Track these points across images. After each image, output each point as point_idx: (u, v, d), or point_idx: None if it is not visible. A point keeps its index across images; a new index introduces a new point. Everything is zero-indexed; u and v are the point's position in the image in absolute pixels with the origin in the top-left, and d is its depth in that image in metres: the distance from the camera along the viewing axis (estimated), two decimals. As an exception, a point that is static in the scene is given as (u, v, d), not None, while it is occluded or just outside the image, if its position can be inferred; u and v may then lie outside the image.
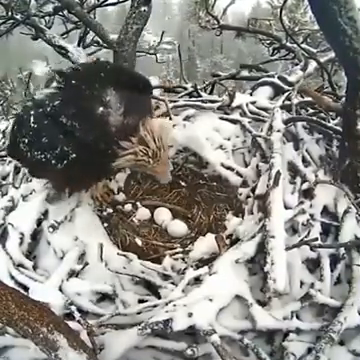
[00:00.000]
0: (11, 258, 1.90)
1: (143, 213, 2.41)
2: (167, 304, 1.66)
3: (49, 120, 1.87)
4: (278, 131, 2.42)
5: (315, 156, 2.45)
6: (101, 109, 1.85)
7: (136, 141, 1.94)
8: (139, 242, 2.22)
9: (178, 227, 2.35)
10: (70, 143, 1.85)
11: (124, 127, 1.91)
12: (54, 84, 2.02)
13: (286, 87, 3.52)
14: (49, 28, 5.19)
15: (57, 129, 1.85)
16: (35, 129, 1.89)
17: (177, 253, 2.15)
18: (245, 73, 4.30)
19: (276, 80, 3.67)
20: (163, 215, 2.42)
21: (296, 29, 5.47)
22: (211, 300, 1.62)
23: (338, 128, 2.45)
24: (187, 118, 2.92)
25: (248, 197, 2.35)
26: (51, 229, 2.06)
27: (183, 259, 2.10)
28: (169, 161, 2.11)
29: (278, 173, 1.99)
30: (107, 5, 5.63)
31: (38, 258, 2.07)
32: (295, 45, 4.61)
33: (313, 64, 4.06)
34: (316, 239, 1.82)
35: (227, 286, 1.69)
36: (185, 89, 3.55)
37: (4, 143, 2.98)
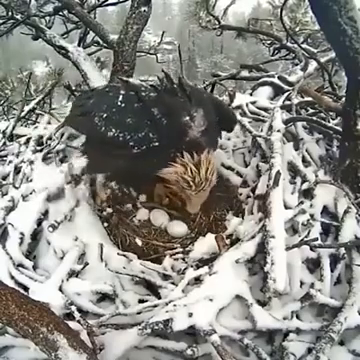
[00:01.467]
0: (11, 258, 1.90)
1: (143, 213, 2.41)
2: (167, 304, 1.66)
3: (140, 106, 1.92)
4: (278, 131, 2.42)
5: (315, 156, 2.45)
6: (187, 118, 1.91)
7: (193, 161, 1.94)
8: (139, 242, 2.23)
9: (178, 227, 2.35)
10: (155, 132, 1.88)
11: (195, 143, 1.93)
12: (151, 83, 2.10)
13: (286, 87, 3.53)
14: (49, 28, 5.20)
15: (146, 116, 1.90)
16: (122, 108, 1.94)
17: (177, 253, 2.15)
18: (245, 73, 4.31)
19: (276, 80, 3.68)
20: (160, 217, 2.40)
21: (297, 29, 5.46)
22: (211, 300, 1.62)
23: (338, 128, 2.45)
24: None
25: (248, 197, 2.35)
26: (51, 229, 2.06)
27: (183, 259, 2.10)
28: (205, 196, 2.10)
29: (278, 173, 1.99)
30: (107, 5, 5.63)
31: (38, 258, 2.07)
32: (295, 45, 4.62)
33: (313, 64, 4.07)
34: (316, 239, 1.82)
35: (227, 286, 1.69)
36: (185, 89, 3.54)
37: (4, 143, 2.99)
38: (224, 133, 2.72)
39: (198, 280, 1.81)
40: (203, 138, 1.94)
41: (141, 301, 1.81)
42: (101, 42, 5.39)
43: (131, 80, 2.15)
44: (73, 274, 1.91)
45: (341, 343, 1.65)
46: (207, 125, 1.95)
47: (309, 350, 1.59)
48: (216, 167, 2.08)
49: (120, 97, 1.97)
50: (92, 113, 2.02)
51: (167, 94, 1.96)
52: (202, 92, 2.38)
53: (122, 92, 1.99)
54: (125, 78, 2.19)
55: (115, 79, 2.47)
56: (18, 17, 5.10)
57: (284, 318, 1.65)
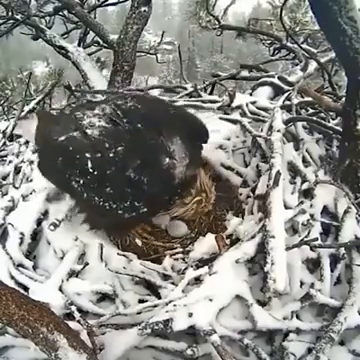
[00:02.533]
0: (11, 258, 1.90)
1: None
2: (167, 304, 1.66)
3: (113, 171, 1.75)
4: (278, 131, 2.42)
5: (315, 156, 2.45)
6: (167, 161, 1.78)
7: (195, 191, 1.98)
8: (139, 242, 2.23)
9: (178, 227, 2.35)
10: (140, 198, 1.78)
11: (186, 178, 1.88)
12: (104, 110, 1.88)
13: (286, 87, 3.53)
14: (49, 28, 5.21)
15: (124, 181, 1.76)
16: (96, 176, 1.76)
17: (177, 253, 2.15)
18: (245, 73, 4.31)
19: (276, 80, 3.68)
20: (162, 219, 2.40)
21: (297, 29, 5.47)
22: (211, 300, 1.62)
23: (338, 128, 2.45)
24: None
25: (248, 197, 2.35)
26: (52, 227, 2.05)
27: (183, 259, 2.10)
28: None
29: (278, 173, 1.99)
30: (107, 5, 5.65)
31: (38, 258, 2.07)
32: (295, 45, 4.62)
33: (313, 64, 4.07)
34: (316, 239, 1.82)
35: (227, 286, 1.69)
36: (185, 89, 3.56)
37: (4, 143, 2.99)
38: (223, 133, 2.74)
39: (198, 280, 1.81)
40: (191, 167, 1.88)
41: (141, 301, 1.81)
42: (101, 42, 5.40)
43: (83, 120, 1.85)
44: (73, 274, 1.90)
45: (341, 343, 1.65)
46: (189, 152, 1.87)
47: (309, 350, 1.58)
48: (208, 178, 2.10)
49: (89, 163, 1.75)
50: (67, 175, 1.84)
51: (133, 141, 1.77)
52: (167, 109, 2.06)
53: (88, 155, 1.75)
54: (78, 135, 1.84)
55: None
56: (18, 17, 5.11)
57: (284, 318, 1.65)
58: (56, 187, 2.14)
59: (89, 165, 1.76)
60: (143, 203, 1.81)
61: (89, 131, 1.81)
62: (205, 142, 2.11)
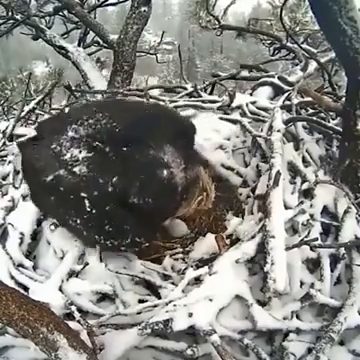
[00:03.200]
0: (11, 258, 1.90)
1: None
2: (167, 304, 1.66)
3: (112, 206, 1.69)
4: (278, 131, 2.42)
5: (315, 156, 2.45)
6: (165, 173, 1.70)
7: (197, 191, 1.98)
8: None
9: (178, 227, 2.35)
10: (141, 234, 1.77)
11: (187, 181, 1.85)
12: (77, 131, 1.78)
13: (286, 87, 3.53)
14: (49, 28, 5.21)
15: (125, 213, 1.70)
16: (94, 214, 1.70)
17: (177, 253, 2.15)
18: (245, 73, 4.31)
19: (276, 80, 3.68)
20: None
21: (297, 29, 5.47)
22: (211, 300, 1.62)
23: (338, 128, 2.45)
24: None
25: (248, 197, 2.35)
26: (53, 227, 2.05)
27: (183, 259, 2.10)
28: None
29: (278, 173, 1.99)
30: (107, 5, 5.66)
31: (38, 258, 2.07)
32: (295, 45, 4.62)
33: (313, 64, 4.07)
34: (316, 239, 1.82)
35: (227, 286, 1.69)
36: (185, 89, 3.56)
37: (4, 143, 2.98)
38: (223, 133, 2.74)
39: (198, 280, 1.81)
40: (189, 169, 1.86)
41: (141, 301, 1.81)
42: (101, 42, 5.40)
43: (77, 170, 1.72)
44: (73, 274, 1.90)
45: (341, 343, 1.65)
46: (182, 155, 1.82)
47: (309, 350, 1.59)
48: (208, 176, 2.10)
49: (86, 202, 1.68)
50: (62, 212, 1.82)
51: (126, 164, 1.69)
52: (143, 111, 1.92)
53: (84, 195, 1.68)
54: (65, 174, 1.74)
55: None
56: (18, 17, 5.11)
57: (284, 318, 1.65)
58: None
59: (86, 204, 1.69)
60: (144, 237, 1.81)
61: (76, 169, 1.72)
62: (193, 135, 1.99)
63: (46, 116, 3.36)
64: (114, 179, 1.67)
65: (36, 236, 2.13)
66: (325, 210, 2.08)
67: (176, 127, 1.90)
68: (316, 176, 2.19)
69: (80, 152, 1.75)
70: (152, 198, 1.68)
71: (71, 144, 1.78)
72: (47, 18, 5.37)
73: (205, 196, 2.01)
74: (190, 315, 1.55)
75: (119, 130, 1.77)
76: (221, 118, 2.90)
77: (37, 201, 2.03)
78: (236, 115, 2.95)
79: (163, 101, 3.11)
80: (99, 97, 3.69)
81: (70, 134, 1.80)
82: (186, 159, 1.84)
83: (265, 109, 3.02)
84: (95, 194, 1.68)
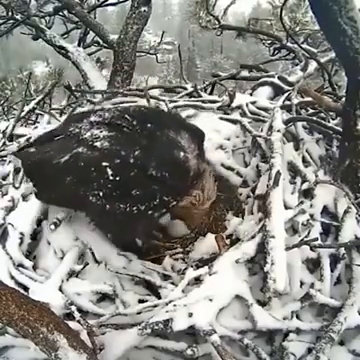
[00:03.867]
0: (11, 258, 1.90)
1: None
2: (167, 304, 1.66)
3: (136, 172, 1.76)
4: (278, 131, 2.42)
5: (315, 156, 2.45)
6: (182, 155, 1.82)
7: (199, 189, 2.00)
8: (139, 242, 2.22)
9: (178, 227, 2.35)
10: (167, 192, 1.81)
11: (198, 169, 1.93)
12: (102, 116, 1.90)
13: (286, 87, 3.53)
14: (49, 28, 5.21)
15: (148, 180, 1.77)
16: (118, 182, 1.75)
17: (177, 253, 2.15)
18: (245, 73, 4.31)
19: (276, 80, 3.68)
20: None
21: (297, 29, 5.47)
22: (211, 300, 1.62)
23: (338, 128, 2.45)
24: (187, 118, 2.92)
25: (248, 197, 2.35)
26: (53, 226, 2.05)
27: (183, 259, 2.10)
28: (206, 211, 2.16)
29: (278, 173, 1.99)
30: (107, 5, 5.65)
31: (38, 258, 2.07)
32: (296, 45, 4.62)
33: (313, 64, 4.07)
34: (316, 239, 1.82)
35: (227, 286, 1.69)
36: (185, 89, 3.56)
37: (4, 143, 2.98)
38: (224, 133, 2.74)
39: (198, 280, 1.81)
40: (199, 160, 1.92)
41: (141, 301, 1.81)
42: (101, 42, 5.40)
43: (98, 145, 1.81)
44: (73, 274, 1.91)
45: (341, 343, 1.65)
46: (196, 145, 1.91)
47: (309, 350, 1.59)
48: (213, 181, 2.11)
49: (108, 170, 1.75)
50: (81, 191, 1.82)
51: (146, 141, 1.80)
52: (159, 114, 2.12)
53: (105, 164, 1.75)
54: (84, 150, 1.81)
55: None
56: (18, 17, 5.11)
57: (284, 318, 1.66)
58: (67, 209, 2.09)
59: (109, 173, 1.75)
60: (171, 196, 1.84)
61: (98, 144, 1.80)
62: (203, 140, 2.12)
63: (46, 116, 3.35)
64: (136, 152, 1.76)
65: (36, 236, 2.13)
66: (325, 210, 2.08)
67: (190, 128, 2.05)
68: (316, 176, 2.19)
69: (101, 131, 1.84)
70: (168, 173, 1.78)
71: (91, 126, 1.88)
72: (47, 18, 5.37)
73: (202, 194, 2.00)
74: (190, 315, 1.55)
75: (145, 111, 1.99)
76: (221, 118, 2.90)
77: (45, 193, 2.03)
78: (236, 115, 2.95)
79: (163, 101, 3.11)
80: (99, 97, 3.68)
81: (92, 119, 1.92)
82: (199, 149, 1.94)
83: (265, 109, 3.02)
84: (117, 162, 1.76)
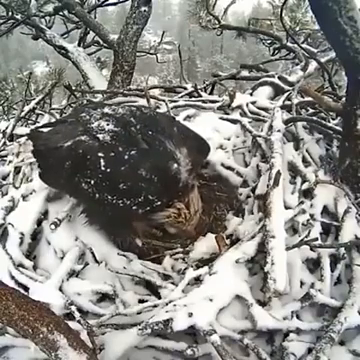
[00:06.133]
0: (11, 258, 1.90)
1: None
2: (167, 304, 1.66)
3: (126, 168, 1.83)
4: (278, 131, 2.42)
5: (315, 156, 2.45)
6: (175, 166, 1.89)
7: (184, 203, 2.01)
8: (139, 242, 2.22)
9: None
10: (153, 192, 1.85)
11: (185, 188, 1.97)
12: (115, 110, 2.01)
13: (286, 87, 3.53)
14: (49, 28, 5.21)
15: (137, 177, 1.83)
16: (108, 173, 1.83)
17: (177, 253, 2.15)
18: (245, 73, 4.31)
19: (276, 80, 3.68)
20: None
21: (297, 29, 5.47)
22: (211, 300, 1.62)
23: (338, 128, 2.45)
24: (187, 118, 2.93)
25: (248, 197, 2.35)
26: (53, 226, 2.05)
27: (183, 259, 2.10)
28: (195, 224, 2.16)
29: (278, 173, 1.99)
30: (107, 5, 5.66)
31: (38, 258, 2.07)
32: (296, 45, 4.62)
33: (313, 64, 4.07)
34: (316, 239, 1.82)
35: (227, 286, 1.69)
36: (185, 89, 3.56)
37: (4, 143, 2.98)
38: (224, 133, 2.74)
39: (198, 280, 1.81)
40: (190, 176, 1.96)
41: (141, 301, 1.81)
42: (101, 42, 5.39)
43: (93, 125, 1.94)
44: (73, 274, 1.91)
45: (341, 343, 1.65)
46: (191, 162, 1.95)
47: (309, 350, 1.58)
48: (199, 202, 2.13)
49: (101, 161, 1.83)
50: (76, 177, 1.90)
51: (144, 147, 1.88)
52: (173, 122, 2.21)
53: (100, 155, 1.84)
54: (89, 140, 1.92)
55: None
56: (18, 17, 5.11)
57: (284, 318, 1.65)
58: (63, 193, 2.18)
59: (102, 163, 1.83)
60: (156, 196, 1.87)
61: (100, 136, 1.90)
62: (207, 154, 2.26)
63: (46, 116, 3.35)
64: (132, 152, 1.85)
65: (36, 236, 2.13)
66: (325, 210, 2.08)
67: (197, 141, 2.17)
68: (316, 176, 2.19)
69: (108, 124, 1.94)
70: (157, 178, 1.84)
71: (101, 117, 1.99)
72: (47, 18, 5.37)
73: (186, 210, 2.02)
74: (190, 315, 1.55)
75: (154, 118, 2.05)
76: (221, 118, 2.91)
77: (47, 175, 2.14)
78: (236, 115, 2.95)
79: (163, 101, 3.11)
80: (99, 97, 3.68)
81: (105, 110, 2.04)
82: (192, 167, 1.98)
83: (265, 109, 3.02)
84: (111, 155, 1.84)
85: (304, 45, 4.78)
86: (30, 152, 2.21)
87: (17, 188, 2.37)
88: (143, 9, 3.78)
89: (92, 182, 1.86)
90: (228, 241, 2.06)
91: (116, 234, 2.14)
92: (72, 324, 1.40)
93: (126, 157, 1.84)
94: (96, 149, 1.86)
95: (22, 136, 2.99)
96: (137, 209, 1.87)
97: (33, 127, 2.91)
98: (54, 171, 2.03)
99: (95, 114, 2.02)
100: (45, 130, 2.18)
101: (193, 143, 2.07)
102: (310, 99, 2.87)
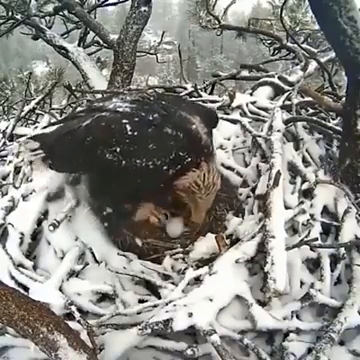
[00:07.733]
0: (11, 258, 1.90)
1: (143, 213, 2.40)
2: (167, 304, 1.66)
3: (153, 129, 1.87)
4: (278, 131, 2.42)
5: (315, 156, 2.45)
6: (194, 126, 1.94)
7: (206, 167, 2.00)
8: (139, 242, 2.22)
9: (175, 226, 2.34)
10: (182, 149, 1.88)
11: (207, 150, 2.00)
12: (124, 99, 2.06)
13: (286, 87, 3.53)
14: (49, 28, 5.20)
15: (164, 136, 1.87)
16: (135, 137, 1.86)
17: (177, 253, 2.15)
18: (245, 73, 4.30)
19: (276, 80, 3.68)
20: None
21: (297, 29, 5.46)
22: (211, 300, 1.62)
23: (338, 128, 2.45)
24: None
25: (248, 197, 2.35)
26: (52, 227, 2.05)
27: (183, 259, 2.10)
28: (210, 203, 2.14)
29: (278, 173, 1.99)
30: (107, 5, 5.65)
31: (38, 258, 2.07)
32: (296, 45, 4.61)
33: (313, 64, 4.07)
34: (316, 239, 1.82)
35: (227, 286, 1.69)
36: (185, 89, 3.56)
37: (4, 143, 2.98)
38: (223, 134, 2.74)
39: (198, 280, 1.81)
40: (209, 139, 2.00)
41: (141, 301, 1.81)
42: (101, 42, 5.39)
43: (121, 110, 1.99)
44: (73, 274, 1.91)
45: (341, 343, 1.65)
46: (206, 125, 2.00)
47: (309, 350, 1.58)
48: (217, 171, 2.10)
49: (127, 126, 1.87)
50: (99, 150, 1.89)
51: (163, 112, 1.94)
52: (179, 98, 2.38)
53: (124, 121, 1.89)
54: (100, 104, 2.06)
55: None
56: (18, 17, 5.10)
57: (284, 318, 1.65)
58: (81, 173, 2.17)
59: (128, 128, 1.87)
60: (187, 153, 1.90)
61: (120, 109, 1.96)
62: (216, 123, 2.28)
63: (46, 116, 3.35)
64: (155, 115, 1.91)
65: (36, 236, 2.13)
66: (325, 210, 2.08)
67: (206, 112, 2.23)
68: (316, 176, 2.19)
69: (124, 103, 2.00)
70: (183, 134, 1.89)
71: (117, 100, 2.06)
72: (47, 18, 5.36)
73: (208, 175, 2.00)
74: (190, 315, 1.55)
75: (164, 95, 2.26)
76: (221, 118, 2.90)
77: (60, 161, 2.12)
78: (236, 115, 2.95)
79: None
80: (99, 97, 3.68)
81: (114, 99, 2.08)
82: (208, 130, 2.03)
83: (265, 109, 3.02)
84: (136, 120, 1.90)
85: (304, 45, 4.77)
86: (35, 149, 2.15)
87: (17, 188, 2.37)
88: (143, 9, 3.78)
89: (118, 150, 1.86)
90: (228, 241, 2.06)
91: (144, 200, 2.14)
92: (72, 324, 1.40)
93: (150, 119, 1.89)
94: (119, 118, 1.91)
95: (22, 136, 2.99)
96: (168, 169, 1.88)
97: (33, 127, 2.92)
98: (69, 154, 2.03)
99: (106, 102, 2.06)
100: (48, 131, 2.19)
101: (203, 113, 2.11)
102: (310, 99, 2.88)
